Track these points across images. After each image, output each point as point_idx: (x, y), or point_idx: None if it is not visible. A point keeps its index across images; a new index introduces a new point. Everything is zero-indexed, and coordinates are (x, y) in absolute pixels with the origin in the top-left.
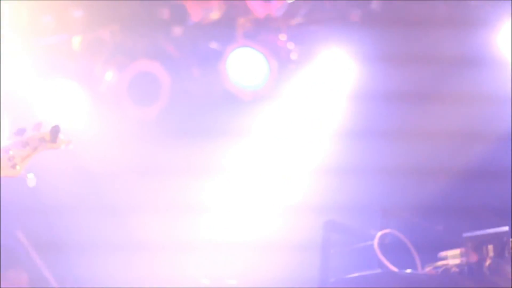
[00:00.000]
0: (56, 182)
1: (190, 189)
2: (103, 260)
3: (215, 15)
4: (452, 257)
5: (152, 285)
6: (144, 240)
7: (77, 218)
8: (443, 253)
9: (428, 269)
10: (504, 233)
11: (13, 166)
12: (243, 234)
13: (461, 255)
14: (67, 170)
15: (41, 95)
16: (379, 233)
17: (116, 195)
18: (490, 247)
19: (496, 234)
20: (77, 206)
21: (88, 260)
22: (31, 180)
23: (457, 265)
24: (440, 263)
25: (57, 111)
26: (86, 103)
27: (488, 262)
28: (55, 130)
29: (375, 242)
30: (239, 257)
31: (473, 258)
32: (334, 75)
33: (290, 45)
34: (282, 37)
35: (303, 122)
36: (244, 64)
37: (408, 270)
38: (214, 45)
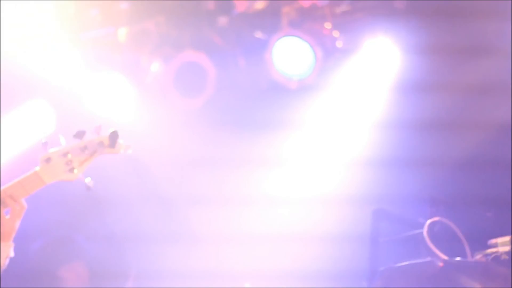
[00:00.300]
0: (109, 174)
1: (237, 180)
2: (157, 252)
3: (260, 4)
4: (502, 245)
5: (202, 278)
6: (194, 232)
7: (130, 210)
8: (493, 241)
9: (478, 256)
10: None
11: (71, 170)
12: (291, 226)
13: None
14: (118, 162)
15: (89, 88)
16: (428, 221)
17: (165, 186)
18: None
19: None
20: (129, 198)
21: (143, 253)
22: (88, 184)
23: (507, 253)
24: (490, 250)
25: (104, 104)
26: (133, 95)
27: None
28: (115, 135)
29: (425, 230)
30: (288, 249)
31: None
32: (380, 64)
33: (335, 34)
34: (327, 25)
35: (349, 111)
36: (289, 53)
37: (458, 258)
38: (259, 34)
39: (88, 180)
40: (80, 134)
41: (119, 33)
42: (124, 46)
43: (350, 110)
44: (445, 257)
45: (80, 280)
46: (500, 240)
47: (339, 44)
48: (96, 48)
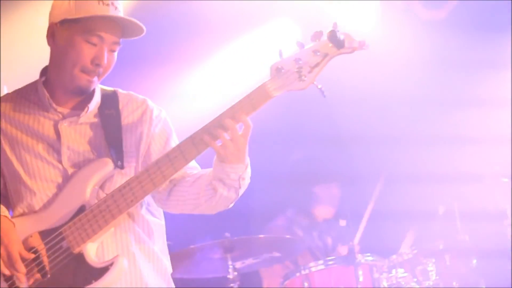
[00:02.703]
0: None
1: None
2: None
3: None
4: None
5: None
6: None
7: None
8: None
9: None
10: None
11: (303, 78)
12: None
13: None
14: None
15: (332, 2)
16: None
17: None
18: None
19: None
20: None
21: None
22: (322, 91)
23: None
24: None
25: (348, 16)
26: (375, 6)
27: None
28: (346, 36)
29: None
30: None
31: None
32: None
33: None
34: None
35: None
36: None
37: None
38: None
39: (320, 86)
40: (317, 35)
41: None
42: None
43: None
44: None
45: (333, 201)
46: None
47: None
48: None
